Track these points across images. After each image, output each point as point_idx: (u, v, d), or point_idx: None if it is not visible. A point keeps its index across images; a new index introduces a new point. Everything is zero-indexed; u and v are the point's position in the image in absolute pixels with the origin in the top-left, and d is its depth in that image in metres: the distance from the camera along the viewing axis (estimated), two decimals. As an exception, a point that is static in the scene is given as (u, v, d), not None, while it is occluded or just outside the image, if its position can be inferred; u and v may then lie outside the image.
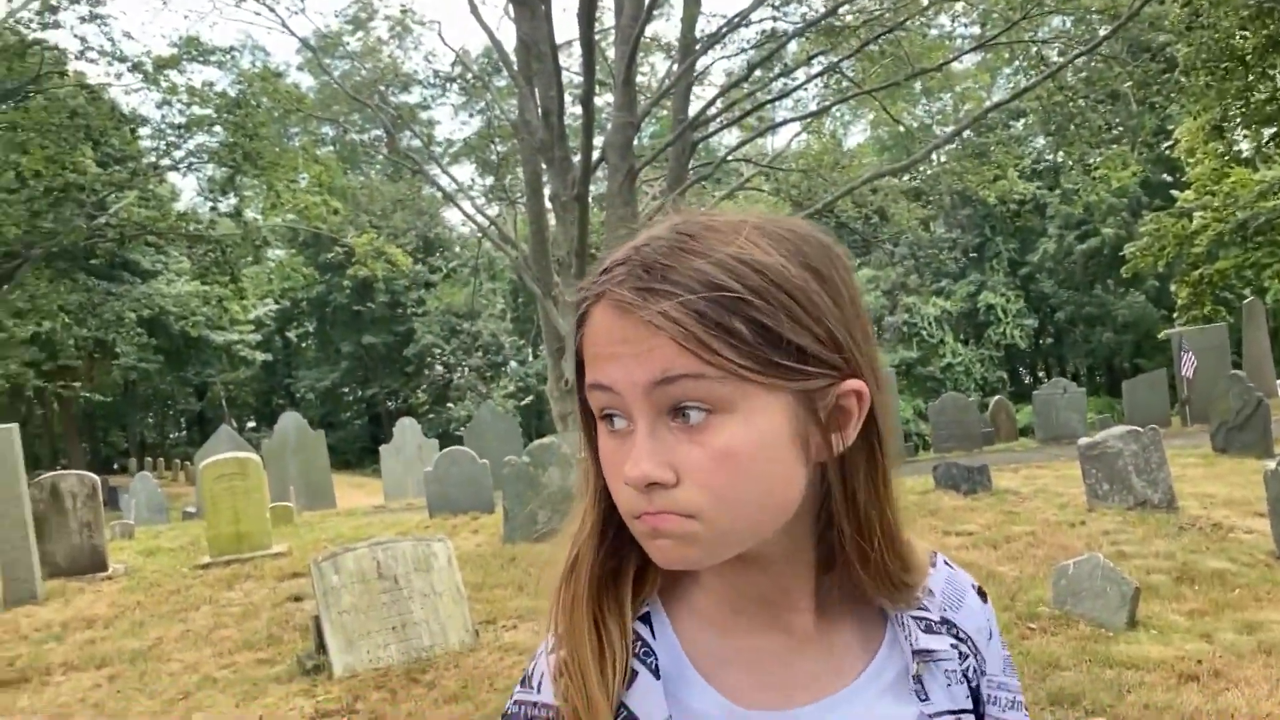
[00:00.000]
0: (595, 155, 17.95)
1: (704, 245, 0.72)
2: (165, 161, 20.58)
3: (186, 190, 46.12)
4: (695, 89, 20.33)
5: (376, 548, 6.14)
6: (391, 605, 6.00)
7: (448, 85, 24.55)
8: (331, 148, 32.38)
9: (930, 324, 37.55)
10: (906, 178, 22.85)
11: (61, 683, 6.05)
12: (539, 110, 16.69)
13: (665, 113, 22.41)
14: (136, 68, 20.10)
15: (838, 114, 32.50)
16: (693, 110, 18.20)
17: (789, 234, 0.75)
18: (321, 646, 5.95)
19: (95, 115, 20.42)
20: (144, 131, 22.23)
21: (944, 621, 0.87)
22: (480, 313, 36.00)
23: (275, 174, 21.41)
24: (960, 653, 0.86)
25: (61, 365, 22.76)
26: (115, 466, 36.43)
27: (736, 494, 0.70)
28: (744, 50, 19.84)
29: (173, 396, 38.36)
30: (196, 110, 21.07)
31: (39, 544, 8.29)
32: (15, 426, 7.86)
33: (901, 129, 23.84)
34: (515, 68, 17.82)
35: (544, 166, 17.38)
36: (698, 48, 17.66)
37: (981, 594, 0.92)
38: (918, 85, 22.19)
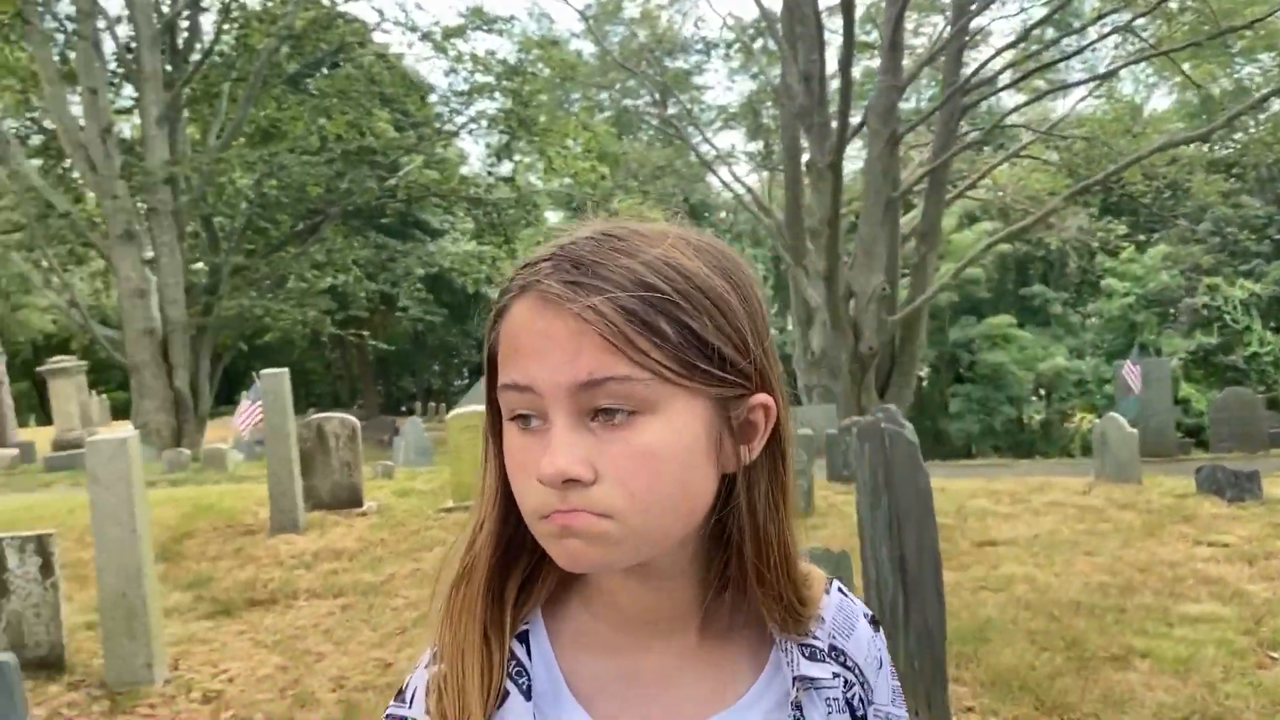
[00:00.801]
0: (855, 121, 17.52)
1: (631, 246, 0.72)
2: (448, 127, 21.85)
3: (475, 155, 48.97)
4: (971, 52, 19.33)
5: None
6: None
7: (713, 50, 24.68)
8: (607, 113, 33.34)
9: (1235, 308, 34.00)
10: (1209, 147, 20.71)
11: (302, 607, 6.64)
12: (800, 75, 16.44)
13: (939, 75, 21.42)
14: (426, 37, 21.48)
15: (1139, 76, 29.88)
16: (965, 74, 17.31)
17: (708, 246, 0.77)
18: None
19: (389, 82, 22.05)
20: (432, 98, 23.75)
21: (832, 649, 0.85)
22: (740, 279, 36.00)
23: (548, 140, 22.34)
24: (845, 681, 0.85)
25: (351, 315, 24.86)
26: (403, 409, 39.53)
27: (654, 495, 0.70)
28: (1024, 9, 18.61)
29: (456, 348, 41.11)
30: (479, 77, 22.27)
31: (304, 479, 9.13)
32: (285, 371, 8.65)
33: (1207, 93, 21.64)
34: (780, 32, 17.61)
35: (802, 132, 17.16)
36: (973, 7, 16.75)
37: (874, 623, 0.92)
38: (1234, 44, 20.00)
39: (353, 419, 9.64)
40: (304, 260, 20.77)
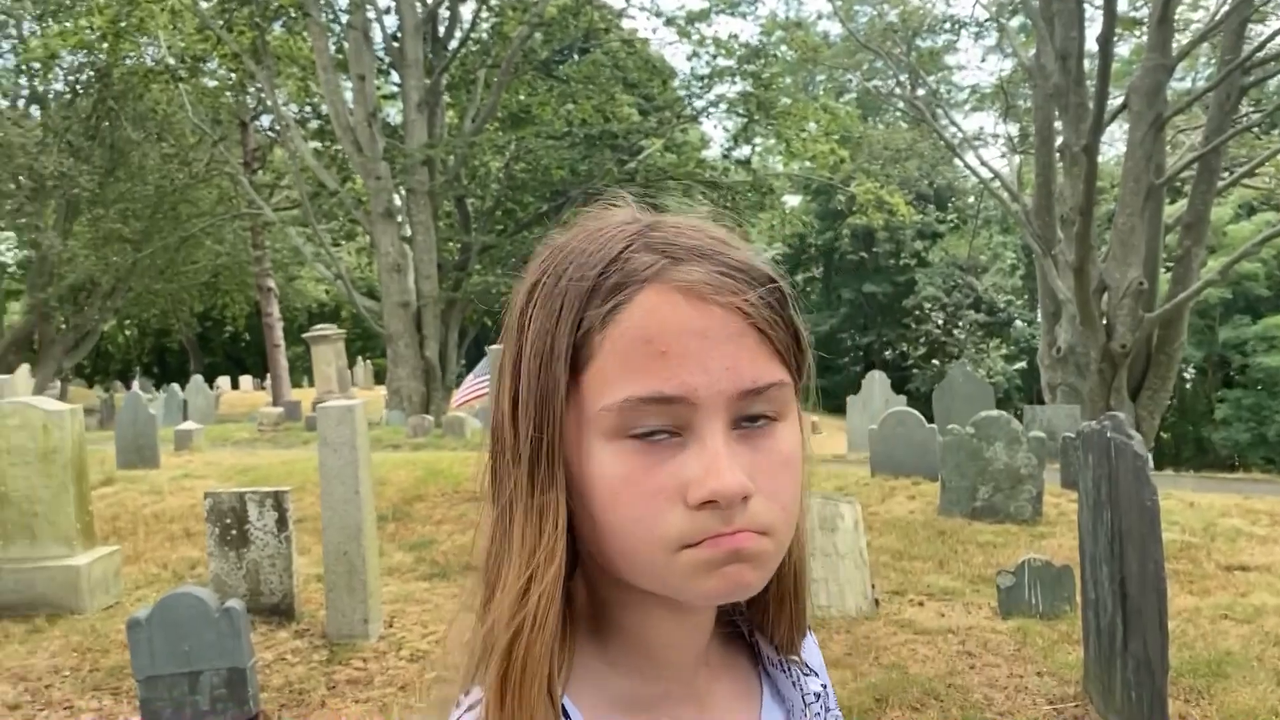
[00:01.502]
0: (1116, 103, 16.31)
1: (726, 235, 0.68)
2: (687, 111, 22.03)
3: (719, 139, 49.19)
4: (1255, 26, 17.56)
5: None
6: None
7: (964, 29, 23.60)
8: (851, 95, 32.66)
9: None
10: None
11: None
12: (1056, 54, 15.47)
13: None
14: (670, 21, 21.71)
15: None
16: (1247, 50, 15.74)
17: None
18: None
19: (633, 68, 22.48)
20: (673, 83, 24.00)
21: (806, 663, 0.82)
22: (986, 267, 34.50)
23: (786, 123, 22.10)
24: (828, 692, 0.84)
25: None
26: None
27: (795, 507, 0.66)
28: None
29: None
30: (721, 61, 22.30)
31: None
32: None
33: None
34: (1036, 8, 16.62)
35: (1056, 114, 16.16)
36: (1259, -24, 15.19)
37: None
38: None
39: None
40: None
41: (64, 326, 28.20)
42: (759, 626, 0.79)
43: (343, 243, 27.00)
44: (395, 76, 21.74)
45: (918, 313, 35.85)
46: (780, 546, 0.64)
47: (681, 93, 23.53)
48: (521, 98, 22.74)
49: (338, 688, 5.01)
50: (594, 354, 0.62)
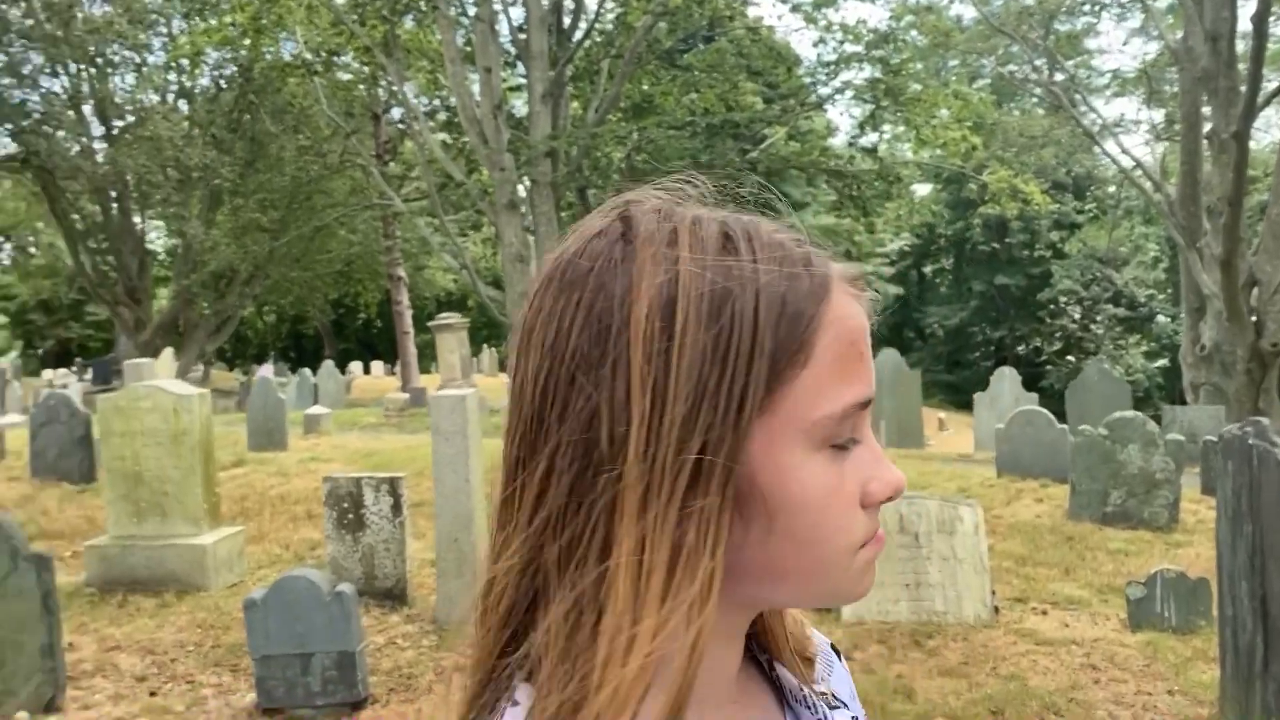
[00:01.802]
0: (1270, 86, 15.30)
1: None
2: (811, 99, 21.66)
3: (845, 127, 48.38)
4: None
5: (901, 501, 6.00)
6: (908, 562, 5.85)
7: (1106, 11, 22.54)
8: (985, 81, 31.64)
9: None
10: None
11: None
12: (1206, 35, 14.61)
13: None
14: (796, 8, 21.37)
15: None
16: None
17: None
18: (837, 588, 6.03)
19: (758, 55, 22.20)
20: (799, 70, 23.64)
21: (832, 694, 0.77)
22: (1127, 260, 32.97)
23: (915, 110, 21.51)
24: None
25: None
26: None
27: None
28: None
29: (809, 322, 40.98)
30: (848, 47, 21.85)
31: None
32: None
33: None
34: (1185, -14, 15.75)
35: (1204, 99, 15.27)
36: None
37: (838, 653, 0.84)
38: None
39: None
40: (666, 230, 21.47)
41: (207, 312, 29.56)
42: (775, 656, 0.74)
43: (470, 233, 27.51)
44: (521, 69, 22.00)
45: (1053, 306, 34.56)
46: None
47: (806, 80, 23.19)
48: (645, 87, 22.71)
49: (445, 673, 5.04)
50: (808, 359, 0.58)
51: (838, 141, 27.38)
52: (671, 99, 21.81)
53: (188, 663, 5.36)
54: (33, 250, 43.52)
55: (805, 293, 0.59)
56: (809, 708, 0.72)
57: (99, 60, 27.30)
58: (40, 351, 45.91)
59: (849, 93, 22.21)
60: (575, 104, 23.55)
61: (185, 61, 28.41)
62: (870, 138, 23.92)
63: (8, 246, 44.93)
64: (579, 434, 0.58)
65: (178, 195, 27.34)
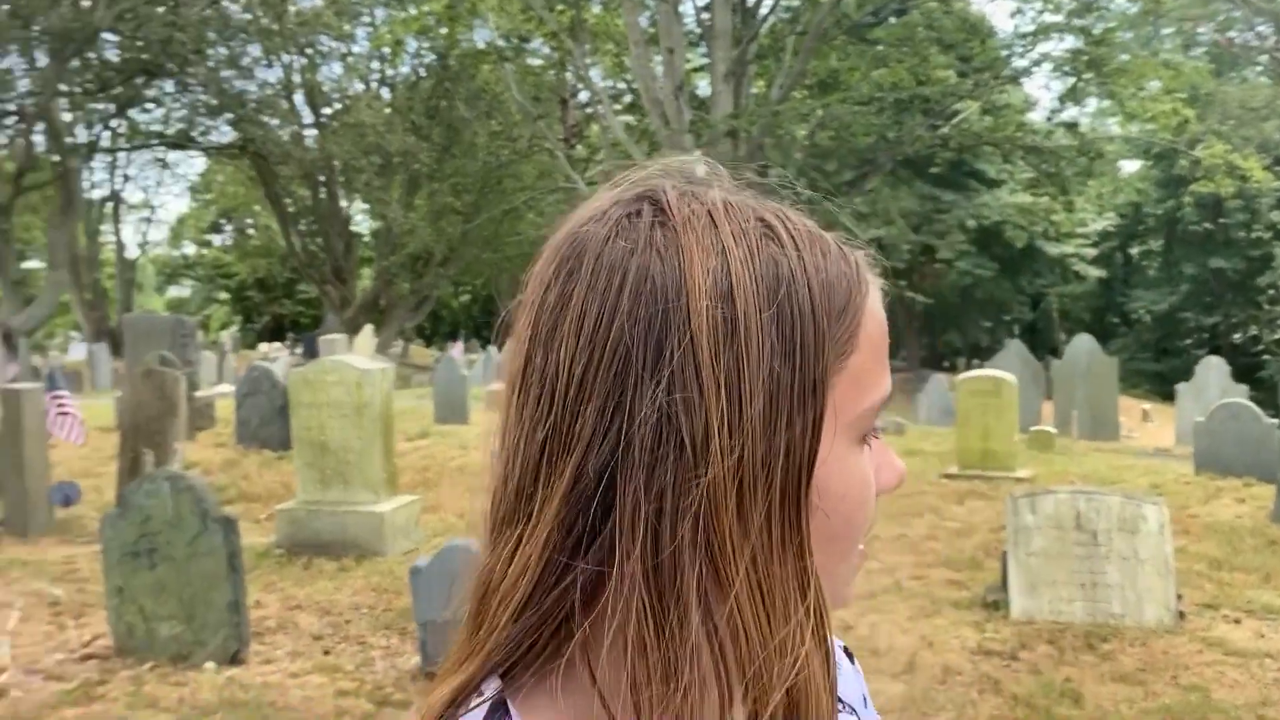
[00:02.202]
0: None
1: None
2: (1006, 72, 20.68)
3: (1046, 101, 46.03)
4: None
5: (1079, 496, 5.68)
6: (1085, 560, 5.53)
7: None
8: (1201, 49, 29.46)
9: None
10: None
11: (782, 554, 6.80)
12: None
13: None
14: (992, -22, 20.47)
15: None
16: None
17: None
18: (1005, 584, 5.77)
19: (950, 27, 21.37)
20: (994, 42, 22.61)
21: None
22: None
23: (1120, 82, 20.25)
24: None
25: (890, 267, 24.73)
26: (945, 365, 38.85)
27: None
28: None
29: (1006, 304, 39.30)
30: (1047, 17, 20.77)
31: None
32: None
33: None
34: None
35: None
36: None
37: (850, 655, 0.80)
38: None
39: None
40: (848, 211, 21.06)
41: (406, 291, 31.01)
42: None
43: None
44: (704, 49, 21.96)
45: (1272, 291, 31.91)
46: None
47: (1002, 52, 22.15)
48: (832, 63, 22.25)
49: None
50: (853, 350, 0.57)
51: (1036, 116, 26.04)
52: (858, 74, 21.25)
53: (360, 624, 5.64)
54: (250, 232, 46.83)
55: (851, 282, 0.58)
56: None
57: (308, 51, 28.93)
58: (257, 326, 49.35)
59: (1048, 65, 21.12)
60: (759, 83, 23.33)
61: (387, 50, 29.80)
62: (1071, 112, 22.71)
63: (229, 228, 48.51)
64: (648, 434, 0.53)
65: (379, 180, 28.72)
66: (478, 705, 0.59)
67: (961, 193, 28.27)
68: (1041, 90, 63.83)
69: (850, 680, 0.77)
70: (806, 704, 0.55)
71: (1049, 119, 22.42)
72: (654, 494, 0.53)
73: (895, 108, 19.87)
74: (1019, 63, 21.26)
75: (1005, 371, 10.54)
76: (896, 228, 21.95)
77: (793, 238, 0.57)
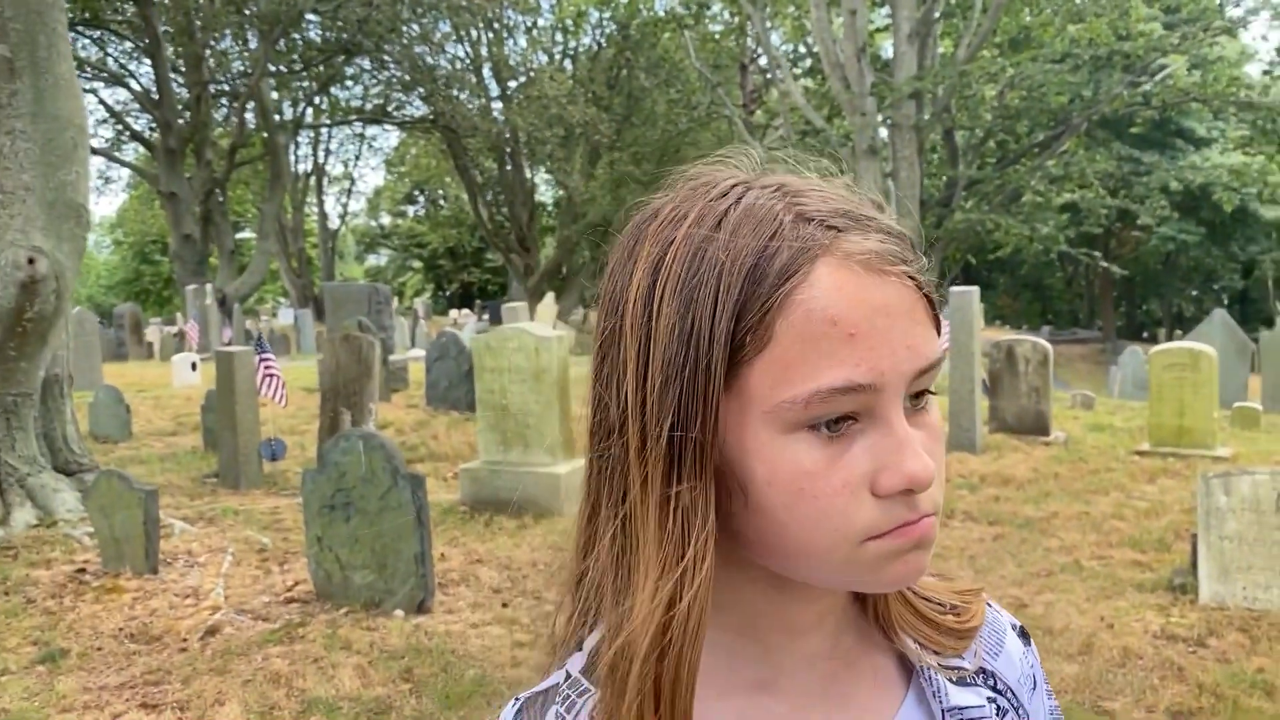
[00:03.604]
0: None
1: (864, 198, 0.64)
2: (1217, 23, 19.22)
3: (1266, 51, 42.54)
4: None
5: (1280, 478, 5.34)
6: (1284, 546, 5.21)
7: None
8: None
9: None
10: None
11: (955, 529, 6.67)
12: None
13: None
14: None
15: None
16: None
17: None
18: (1194, 567, 5.49)
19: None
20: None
21: (980, 671, 0.74)
22: None
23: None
24: (998, 707, 0.74)
25: (1083, 232, 23.51)
26: (1144, 335, 36.72)
27: (943, 481, 0.63)
28: None
29: (1214, 271, 36.75)
30: (1268, -40, 19.21)
31: (992, 400, 9.06)
32: (975, 290, 8.59)
33: None
34: None
35: None
36: None
37: (1024, 636, 0.80)
38: None
39: (1044, 344, 9.26)
40: (1039, 174, 20.14)
41: (587, 259, 31.67)
42: (889, 627, 0.72)
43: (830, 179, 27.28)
44: (887, 9, 21.35)
45: None
46: (937, 526, 0.61)
47: (1215, 1, 20.62)
48: (1027, 18, 21.25)
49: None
50: (769, 340, 0.56)
51: (1252, 70, 24.13)
52: (1052, 30, 20.22)
53: (536, 580, 5.90)
54: (442, 203, 48.74)
55: (775, 271, 0.56)
56: (928, 680, 0.71)
57: (495, 26, 29.76)
58: (447, 294, 51.45)
59: (1267, 12, 19.53)
60: (945, 42, 22.53)
61: (570, 22, 30.34)
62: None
63: (422, 199, 50.63)
64: (595, 403, 0.64)
65: (562, 150, 29.37)
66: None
67: (1165, 153, 26.55)
68: (1260, 41, 58.95)
69: (1015, 662, 0.77)
70: (627, 653, 0.59)
71: (1267, 72, 20.72)
72: (593, 457, 0.64)
73: (1092, 64, 18.83)
74: (1235, 12, 19.74)
75: (1207, 343, 9.91)
76: (1092, 190, 20.83)
77: (737, 226, 0.58)
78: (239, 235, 41.35)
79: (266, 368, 8.23)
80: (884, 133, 20.02)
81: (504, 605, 5.49)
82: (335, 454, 5.37)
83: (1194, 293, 41.18)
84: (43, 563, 5.96)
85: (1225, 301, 40.63)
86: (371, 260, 60.58)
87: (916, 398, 0.60)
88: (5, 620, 5.06)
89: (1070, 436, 9.19)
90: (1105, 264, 22.75)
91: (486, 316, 30.48)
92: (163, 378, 15.24)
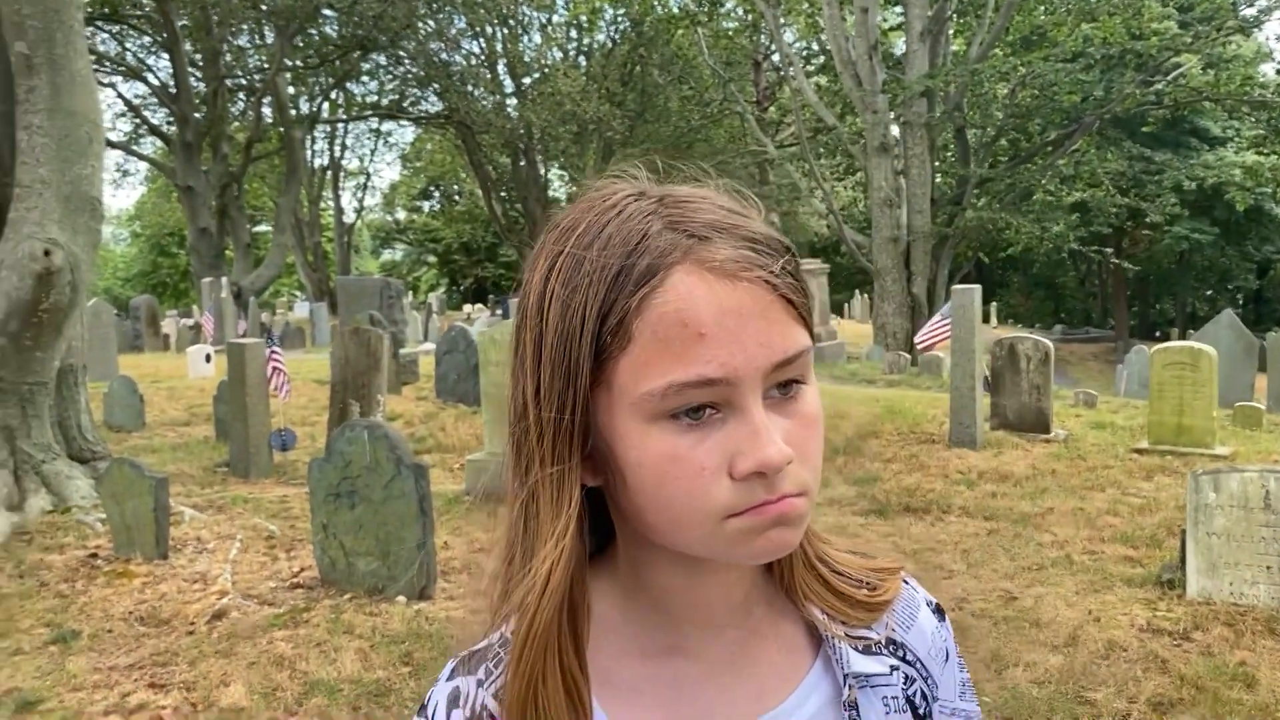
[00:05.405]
0: None
1: (745, 207, 0.71)
2: (1231, 22, 19.16)
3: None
4: None
5: (1270, 475, 5.41)
6: (1271, 543, 5.28)
7: None
8: None
9: None
10: None
11: (950, 523, 6.76)
12: None
13: None
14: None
15: None
16: None
17: None
18: (1183, 562, 5.57)
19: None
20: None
21: (890, 643, 0.80)
22: None
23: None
24: (905, 676, 0.79)
25: (1094, 231, 23.45)
26: (1157, 335, 36.57)
27: (820, 464, 0.68)
28: None
29: (1229, 271, 36.58)
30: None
31: (994, 397, 9.13)
32: (977, 288, 8.67)
33: None
34: None
35: None
36: None
37: (939, 612, 0.85)
38: None
39: (1046, 342, 9.32)
40: (1050, 173, 20.14)
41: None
42: (796, 597, 0.79)
43: (845, 177, 27.33)
44: (899, 7, 21.36)
45: None
46: (812, 504, 0.66)
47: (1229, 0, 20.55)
48: (1040, 16, 21.24)
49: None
50: (630, 339, 0.63)
51: (1267, 69, 24.01)
52: (1065, 29, 20.20)
53: (537, 569, 6.02)
54: (456, 198, 48.92)
55: (633, 279, 0.63)
56: (832, 648, 0.77)
57: (510, 22, 29.87)
58: (461, 288, 51.63)
59: (1281, 12, 19.47)
60: (958, 40, 22.54)
61: (584, 19, 30.42)
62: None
63: (436, 194, 50.84)
64: (511, 394, 0.74)
65: (575, 147, 29.45)
66: None
67: (1178, 152, 26.44)
68: (1276, 41, 58.57)
69: (927, 636, 0.83)
70: (531, 620, 0.67)
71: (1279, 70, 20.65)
72: (510, 437, 0.72)
73: (1104, 63, 18.82)
74: (1249, 11, 19.67)
75: (1214, 343, 9.94)
76: (1103, 190, 20.81)
77: (609, 239, 0.65)
78: (255, 229, 41.63)
79: (274, 361, 8.37)
80: (896, 130, 20.05)
81: (504, 593, 5.60)
82: (341, 443, 5.50)
83: (1208, 292, 40.97)
84: (56, 547, 6.12)
85: (1240, 301, 40.43)
86: (387, 255, 60.85)
87: (785, 386, 0.65)
88: (19, 602, 5.22)
89: (1071, 434, 9.24)
90: (1116, 261, 22.68)
91: (500, 311, 30.59)
92: (178, 369, 15.43)
